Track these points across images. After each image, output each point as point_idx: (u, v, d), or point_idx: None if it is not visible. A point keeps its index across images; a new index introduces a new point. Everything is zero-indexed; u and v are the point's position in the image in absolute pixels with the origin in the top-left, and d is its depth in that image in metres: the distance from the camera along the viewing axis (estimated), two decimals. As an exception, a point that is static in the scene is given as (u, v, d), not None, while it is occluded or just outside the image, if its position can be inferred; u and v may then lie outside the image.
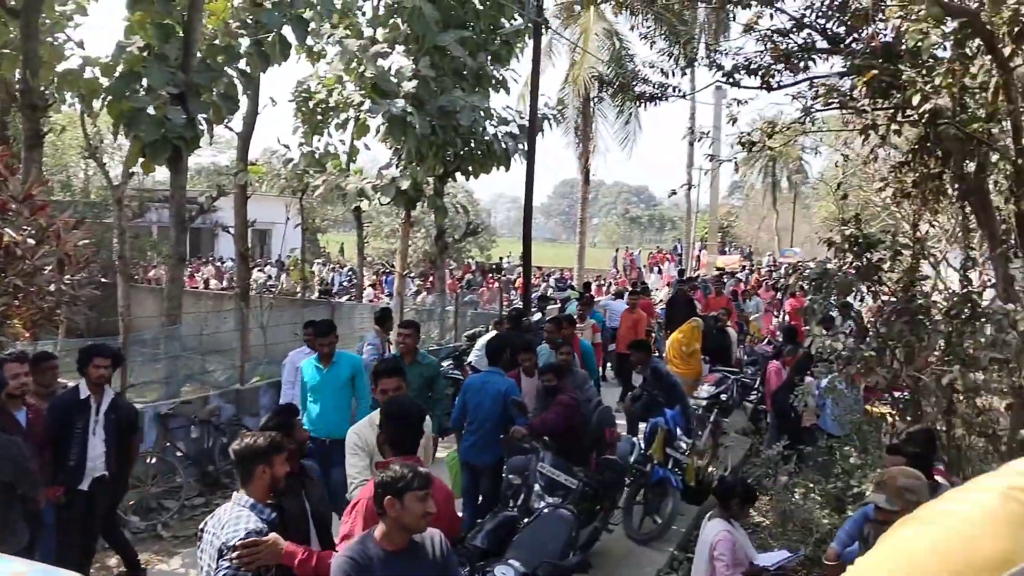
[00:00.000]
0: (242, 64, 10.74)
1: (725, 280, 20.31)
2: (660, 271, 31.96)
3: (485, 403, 5.77)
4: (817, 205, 36.50)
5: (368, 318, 9.01)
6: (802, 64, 5.56)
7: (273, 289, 21.69)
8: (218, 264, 26.92)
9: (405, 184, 13.18)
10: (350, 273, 25.52)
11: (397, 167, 13.86)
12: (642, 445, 6.73)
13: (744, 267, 28.15)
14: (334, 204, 20.22)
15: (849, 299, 6.11)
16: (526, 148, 12.42)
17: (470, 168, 13.90)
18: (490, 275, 26.24)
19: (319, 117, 15.21)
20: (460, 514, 5.06)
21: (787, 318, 14.46)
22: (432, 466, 3.83)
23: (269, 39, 10.72)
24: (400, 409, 3.27)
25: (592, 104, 21.33)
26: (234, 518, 2.79)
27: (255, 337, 10.15)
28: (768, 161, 48.68)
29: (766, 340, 15.28)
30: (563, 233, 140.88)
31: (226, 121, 11.05)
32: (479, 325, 11.60)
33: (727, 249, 42.36)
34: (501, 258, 36.36)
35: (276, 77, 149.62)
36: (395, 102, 12.45)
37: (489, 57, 13.78)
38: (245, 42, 10.75)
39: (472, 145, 13.48)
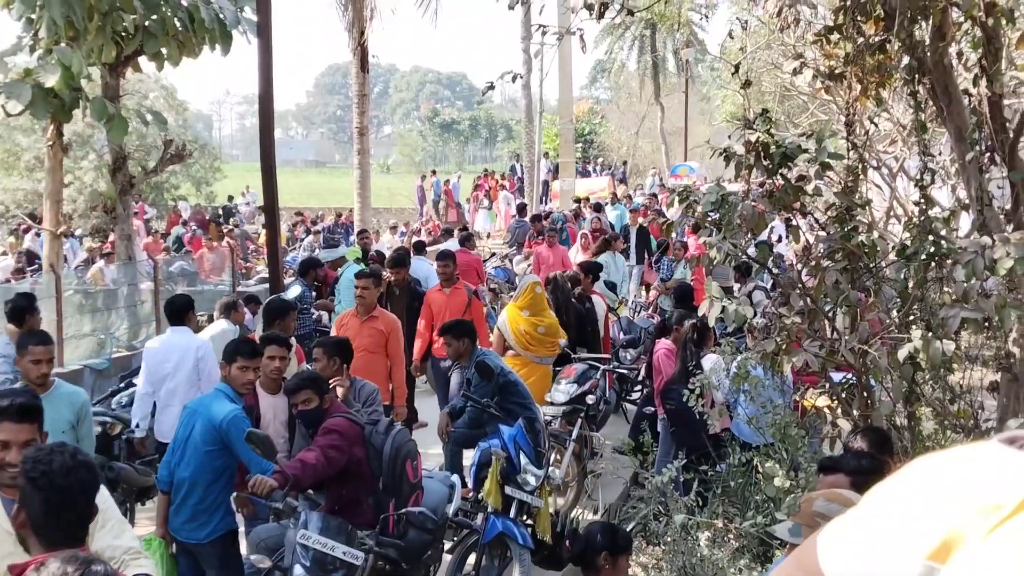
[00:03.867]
0: None
1: (588, 217, 21.06)
2: (491, 206, 32.46)
3: (196, 443, 5.88)
4: (720, 95, 38.78)
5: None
6: None
7: None
8: None
9: (51, 79, 12.44)
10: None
11: (33, 51, 13.45)
12: (469, 484, 6.92)
13: (616, 195, 29.23)
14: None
15: (763, 238, 6.28)
16: (256, 14, 12.46)
17: (164, 51, 13.51)
18: (215, 226, 25.59)
19: None
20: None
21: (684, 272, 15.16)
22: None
23: None
24: (44, 473, 2.95)
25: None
26: None
27: None
28: (644, 29, 50.95)
29: (647, 307, 15.97)
30: (336, 152, 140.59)
31: None
32: (200, 312, 11.25)
33: (592, 168, 43.92)
34: (231, 197, 36.36)
35: None
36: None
37: None
38: None
39: (164, 11, 13.01)
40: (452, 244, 17.64)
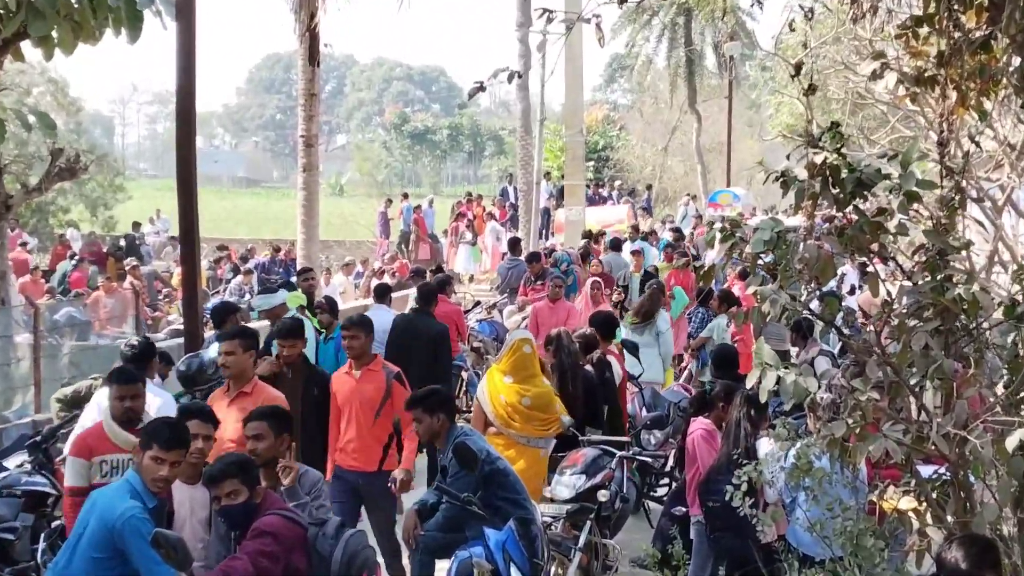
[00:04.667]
0: None
1: (604, 259, 21.23)
2: (475, 240, 32.56)
3: (83, 547, 5.95)
4: (773, 102, 38.96)
5: None
6: None
7: None
8: None
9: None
10: None
11: None
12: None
13: (638, 228, 29.33)
14: None
15: (831, 288, 6.32)
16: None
17: (54, 34, 13.47)
18: (115, 261, 25.63)
19: None
20: None
21: (724, 332, 15.22)
22: None
23: None
24: None
25: None
26: None
27: None
28: (676, 16, 51.31)
29: (681, 374, 15.98)
30: (275, 167, 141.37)
31: None
32: (91, 375, 11.26)
33: (607, 194, 44.16)
34: (136, 224, 36.28)
35: None
36: None
37: None
38: None
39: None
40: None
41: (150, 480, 6.06)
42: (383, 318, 13.13)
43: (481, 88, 6.89)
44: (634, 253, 21.37)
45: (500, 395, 9.71)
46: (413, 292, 18.36)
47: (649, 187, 46.78)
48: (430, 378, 10.44)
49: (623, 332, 13.90)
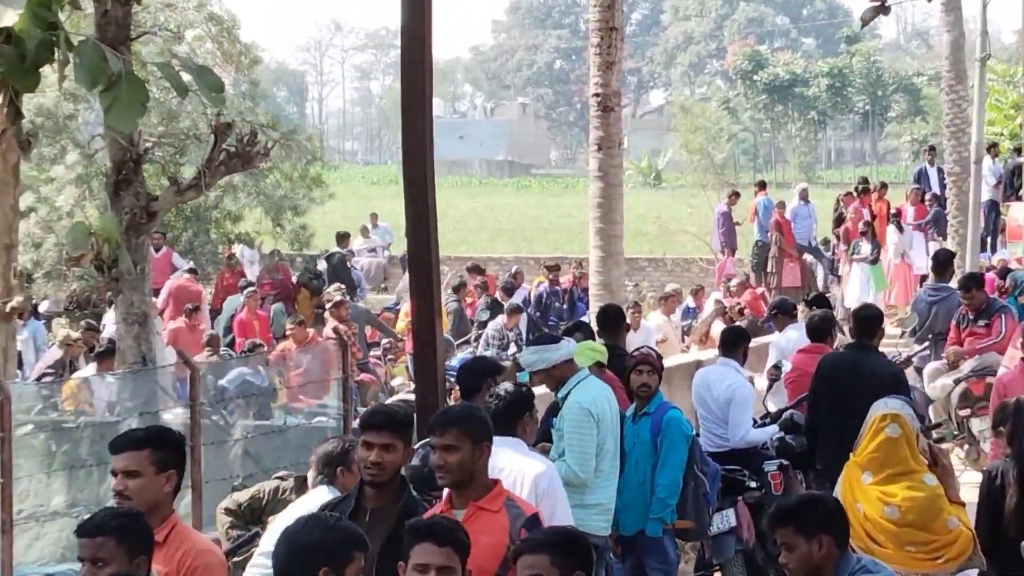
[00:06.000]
0: None
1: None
2: (876, 253, 32.07)
3: None
4: None
5: None
6: None
7: None
8: None
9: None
10: None
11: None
12: None
13: None
14: None
15: None
16: None
17: None
18: (310, 295, 26.21)
19: None
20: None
21: None
22: None
23: None
24: None
25: None
26: None
27: None
28: None
29: None
30: (553, 145, 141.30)
31: None
32: (276, 472, 11.67)
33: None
34: (343, 237, 37.53)
35: None
36: None
37: None
38: None
39: None
40: (792, 335, 17.65)
41: None
42: (726, 378, 13.24)
43: (883, 7, 6.75)
44: None
45: (857, 503, 9.73)
46: (780, 339, 18.34)
47: None
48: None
49: None
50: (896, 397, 11.33)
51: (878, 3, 6.12)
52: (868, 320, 14.36)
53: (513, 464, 9.51)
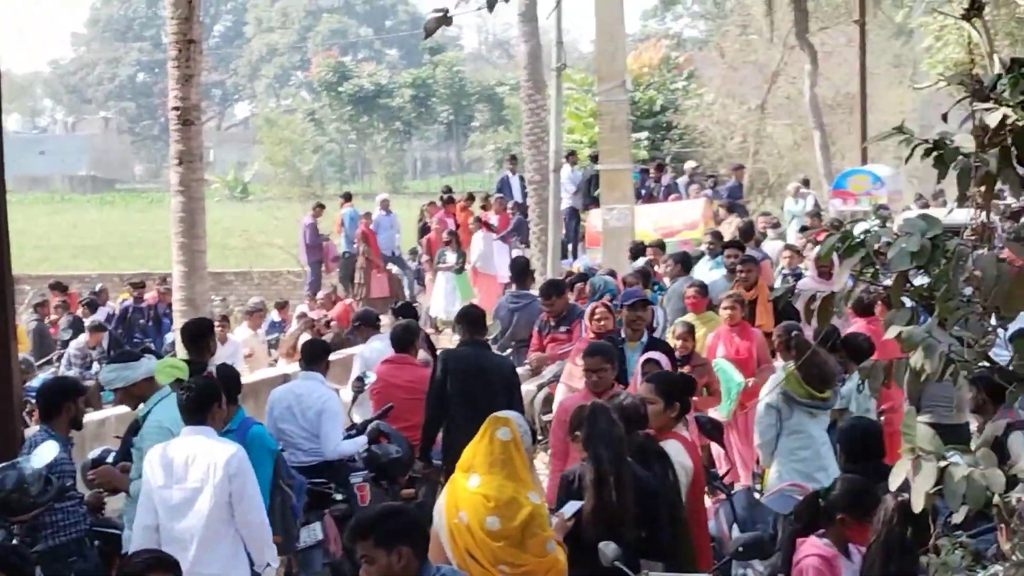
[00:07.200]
0: None
1: (675, 286, 21.02)
2: (460, 262, 32.43)
3: None
4: (930, 26, 38.56)
5: None
6: None
7: None
8: None
9: None
10: None
11: None
12: None
13: (720, 236, 29.14)
14: None
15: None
16: None
17: None
18: None
19: None
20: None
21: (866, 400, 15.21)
22: None
23: None
24: None
25: None
26: None
27: None
28: None
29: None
30: (140, 158, 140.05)
31: None
32: None
33: (668, 182, 43.72)
34: None
35: None
36: None
37: None
38: None
39: None
40: (377, 346, 17.82)
41: None
42: (315, 391, 13.94)
43: (445, 19, 6.85)
44: (739, 264, 20.26)
45: (461, 511, 9.81)
46: (364, 350, 18.46)
47: (739, 169, 45.88)
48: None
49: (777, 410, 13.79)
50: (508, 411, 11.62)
51: (442, 13, 6.21)
52: (477, 318, 15.45)
53: (207, 449, 10.71)
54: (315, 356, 15.66)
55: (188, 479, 10.69)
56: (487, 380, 14.30)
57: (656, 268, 23.89)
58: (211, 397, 11.00)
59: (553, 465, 12.33)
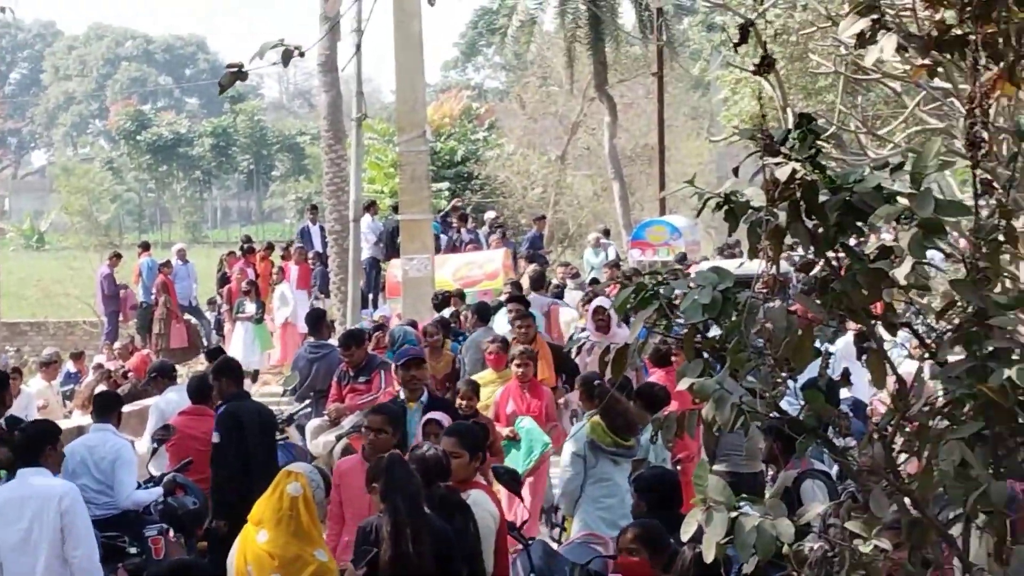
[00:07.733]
0: None
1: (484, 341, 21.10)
2: (260, 312, 32.23)
3: None
4: (727, 80, 39.22)
5: None
6: None
7: None
8: None
9: None
10: None
11: None
12: None
13: (520, 285, 29.27)
14: None
15: (811, 375, 6.36)
16: None
17: None
18: None
19: None
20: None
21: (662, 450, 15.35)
22: None
23: None
24: None
25: None
26: None
27: None
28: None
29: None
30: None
31: None
32: None
33: (470, 232, 43.88)
34: None
35: None
36: None
37: None
38: None
39: None
40: (172, 397, 17.75)
41: None
42: (107, 445, 13.90)
43: (240, 74, 6.80)
44: (517, 319, 20.54)
45: (249, 566, 9.80)
46: (159, 401, 18.31)
47: (540, 219, 46.17)
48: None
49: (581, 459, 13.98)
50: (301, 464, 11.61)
51: (236, 68, 6.14)
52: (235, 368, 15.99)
53: (40, 488, 11.01)
54: (107, 407, 15.62)
55: (23, 519, 10.83)
56: (264, 434, 14.69)
57: (462, 318, 23.81)
58: (44, 438, 11.28)
59: (330, 529, 12.11)
